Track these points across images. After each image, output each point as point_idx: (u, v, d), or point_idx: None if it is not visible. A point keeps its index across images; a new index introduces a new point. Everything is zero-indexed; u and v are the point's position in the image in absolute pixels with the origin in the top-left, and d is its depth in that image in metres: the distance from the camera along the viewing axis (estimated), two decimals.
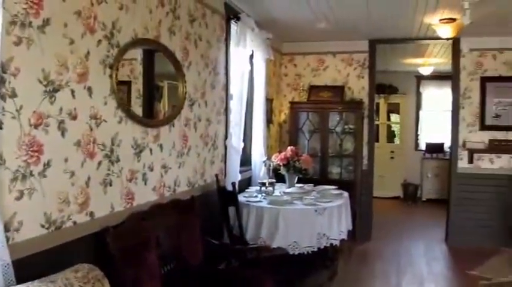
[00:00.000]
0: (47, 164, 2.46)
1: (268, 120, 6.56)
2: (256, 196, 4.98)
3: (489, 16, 5.47)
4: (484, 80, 6.85)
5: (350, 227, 5.22)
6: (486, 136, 6.84)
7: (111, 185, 3.03)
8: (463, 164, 6.92)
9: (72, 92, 2.64)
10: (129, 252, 2.88)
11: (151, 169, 3.54)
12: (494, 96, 6.82)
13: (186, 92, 3.98)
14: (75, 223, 2.69)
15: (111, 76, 2.98)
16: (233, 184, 4.55)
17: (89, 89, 2.79)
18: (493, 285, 5.32)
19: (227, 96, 5.05)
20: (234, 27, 5.12)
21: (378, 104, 10.75)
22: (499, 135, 6.81)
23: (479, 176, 6.84)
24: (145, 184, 3.47)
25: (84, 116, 2.76)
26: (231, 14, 5.07)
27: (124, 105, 3.13)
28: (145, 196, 3.46)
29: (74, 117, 2.66)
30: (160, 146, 3.67)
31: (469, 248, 6.58)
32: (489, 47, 6.80)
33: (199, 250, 3.76)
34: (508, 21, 5.86)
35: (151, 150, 3.52)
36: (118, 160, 3.10)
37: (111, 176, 3.03)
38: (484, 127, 6.87)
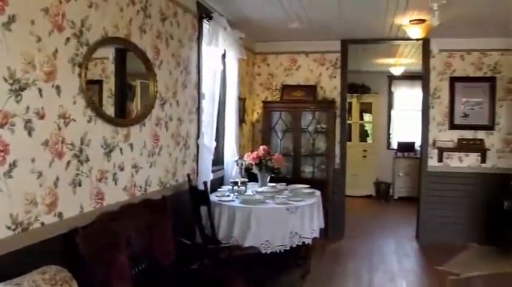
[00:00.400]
0: (13, 165, 2.41)
1: (241, 120, 6.56)
2: (228, 195, 4.97)
3: (457, 18, 5.60)
4: (453, 80, 7.01)
5: (322, 226, 5.26)
6: (455, 135, 7.01)
7: (80, 185, 2.99)
8: (433, 162, 7.06)
9: (40, 90, 2.59)
10: (99, 253, 2.84)
11: (122, 169, 3.51)
12: (463, 96, 6.99)
13: (157, 91, 3.96)
14: (43, 224, 2.64)
15: (80, 75, 2.93)
16: (205, 183, 4.53)
17: (57, 88, 2.74)
18: (461, 280, 5.45)
19: (199, 96, 5.03)
20: (206, 26, 5.11)
21: (350, 103, 10.89)
22: (467, 134, 6.99)
23: (449, 174, 7.00)
24: (116, 183, 3.43)
25: (52, 115, 2.71)
26: (203, 13, 5.05)
27: (93, 104, 3.09)
28: (115, 196, 3.42)
29: (42, 117, 2.61)
30: (131, 145, 3.63)
31: (439, 245, 6.75)
32: (457, 48, 6.97)
33: (171, 250, 3.74)
34: (475, 24, 6.00)
35: (121, 150, 3.49)
36: (87, 160, 3.06)
37: (81, 176, 2.99)
38: (453, 126, 7.04)
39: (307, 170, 7.08)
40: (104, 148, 3.26)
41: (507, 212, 5.99)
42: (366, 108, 11.61)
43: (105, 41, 3.22)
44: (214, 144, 5.18)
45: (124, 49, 3.57)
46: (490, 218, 6.70)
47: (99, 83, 3.31)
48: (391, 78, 11.23)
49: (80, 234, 2.78)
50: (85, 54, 2.98)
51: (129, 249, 3.18)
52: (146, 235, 3.50)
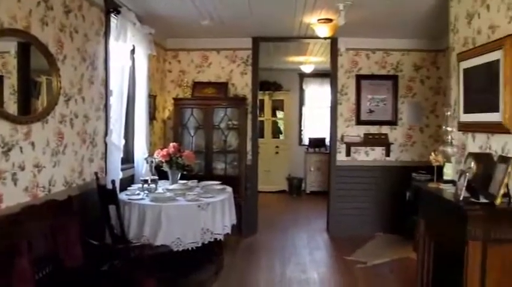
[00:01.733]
0: None
1: (152, 117, 6.45)
2: (138, 194, 4.88)
3: (362, 19, 5.88)
4: (359, 78, 7.35)
5: (234, 222, 5.31)
6: (362, 130, 7.35)
7: None
8: (341, 157, 7.35)
9: None
10: None
11: (22, 169, 3.33)
12: (368, 93, 7.34)
13: (60, 87, 3.79)
14: None
15: None
16: (113, 181, 4.41)
17: None
18: (367, 268, 5.75)
19: (107, 92, 4.88)
20: (114, 20, 4.96)
21: (262, 100, 11.07)
22: (373, 129, 7.36)
23: (356, 168, 7.33)
24: (16, 184, 3.25)
25: None
26: (111, 7, 4.90)
27: None
28: (15, 198, 3.24)
29: None
30: (32, 144, 3.46)
31: (348, 236, 7.06)
32: (363, 47, 7.32)
33: (78, 251, 3.61)
34: (378, 25, 6.33)
35: (21, 148, 3.31)
36: None
37: None
38: (359, 122, 7.37)
39: (220, 166, 7.10)
40: (1, 147, 3.08)
41: (409, 202, 6.37)
42: (278, 105, 11.86)
43: (0, 33, 3.03)
44: (123, 142, 5.06)
45: (27, 43, 3.39)
46: (394, 208, 7.11)
47: (0, 78, 3.12)
48: (302, 76, 11.58)
49: None
50: None
51: (32, 253, 3.03)
52: (50, 237, 3.36)
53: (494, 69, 3.46)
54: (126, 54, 5.12)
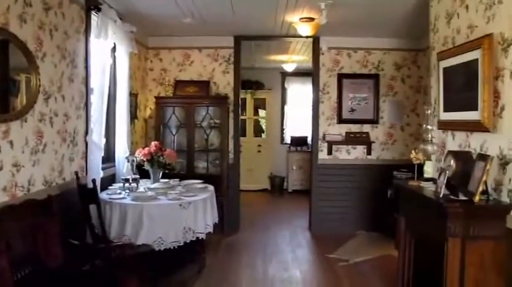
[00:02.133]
0: None
1: (133, 116, 6.41)
2: (119, 193, 4.84)
3: (344, 18, 5.93)
4: (341, 77, 7.40)
5: (216, 220, 5.30)
6: (343, 129, 7.40)
7: None
8: (323, 155, 7.39)
9: None
10: None
11: (1, 168, 3.28)
12: (350, 91, 7.40)
13: (40, 85, 3.74)
14: None
15: None
16: (93, 180, 4.37)
17: None
18: (349, 265, 5.79)
19: (87, 91, 4.83)
20: (94, 18, 4.91)
21: (244, 99, 11.07)
22: (354, 128, 7.41)
23: (338, 166, 7.37)
24: None
25: None
26: (91, 5, 4.85)
27: None
28: None
29: None
30: (11, 142, 3.41)
31: (330, 234, 7.10)
32: (345, 46, 7.37)
33: (58, 252, 3.57)
34: (359, 24, 6.37)
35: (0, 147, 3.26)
36: None
37: None
38: (341, 121, 7.42)
39: (201, 165, 7.08)
40: None
41: (390, 200, 6.43)
42: (260, 104, 11.87)
43: None
44: (103, 141, 5.01)
45: (5, 40, 3.34)
46: (376, 206, 7.18)
47: None
48: (284, 74, 11.59)
49: None
50: None
51: (11, 253, 2.98)
52: (29, 237, 3.32)
53: (473, 69, 3.51)
54: (107, 52, 5.08)
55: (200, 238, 4.82)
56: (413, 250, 3.93)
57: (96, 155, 4.86)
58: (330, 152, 7.37)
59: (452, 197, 3.24)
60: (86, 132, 4.81)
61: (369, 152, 7.37)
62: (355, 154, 7.40)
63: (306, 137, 11.09)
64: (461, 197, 3.18)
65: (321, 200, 7.37)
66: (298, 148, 11.37)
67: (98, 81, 4.93)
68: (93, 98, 4.89)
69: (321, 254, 6.31)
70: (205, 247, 5.68)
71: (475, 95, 3.47)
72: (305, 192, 9.60)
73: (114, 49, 5.43)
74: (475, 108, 3.47)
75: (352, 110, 7.41)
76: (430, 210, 3.42)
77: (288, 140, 11.78)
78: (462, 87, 3.75)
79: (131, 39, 5.78)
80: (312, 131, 7.51)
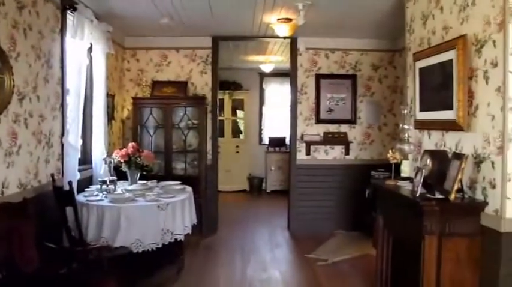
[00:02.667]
0: None
1: (110, 117, 6.34)
2: (97, 195, 4.78)
3: (321, 19, 5.96)
4: (319, 77, 7.43)
5: (195, 221, 5.28)
6: (321, 129, 7.45)
7: None
8: (301, 156, 7.42)
9: None
10: None
11: None
12: (328, 92, 7.44)
13: (14, 86, 3.66)
14: None
15: None
16: (69, 182, 4.30)
17: None
18: (328, 265, 5.83)
19: (63, 91, 4.76)
20: (70, 17, 4.85)
21: (222, 100, 11.06)
22: (332, 128, 7.47)
23: (316, 166, 7.41)
24: None
25: None
26: (67, 4, 4.78)
27: None
28: None
29: None
30: None
31: (309, 234, 7.13)
32: (322, 47, 7.41)
33: (34, 255, 3.51)
34: (337, 25, 6.42)
35: None
36: None
37: None
38: (319, 121, 7.46)
39: (180, 166, 7.04)
40: None
41: (368, 200, 6.49)
42: (238, 104, 11.87)
43: None
44: (80, 142, 4.95)
45: None
46: (354, 206, 7.24)
47: None
48: (262, 75, 11.62)
49: None
50: None
51: None
52: (4, 241, 3.25)
53: (448, 69, 3.56)
54: (83, 52, 5.01)
55: (179, 239, 4.80)
56: (391, 248, 3.98)
57: (73, 157, 4.79)
58: (308, 153, 7.40)
59: (428, 195, 3.29)
60: (62, 134, 4.74)
61: (346, 152, 7.42)
62: (333, 154, 7.45)
63: (284, 138, 11.13)
64: (438, 196, 3.23)
65: (300, 200, 7.40)
66: (277, 149, 11.42)
67: (74, 82, 4.85)
68: (69, 99, 4.83)
69: (299, 254, 6.34)
70: (184, 248, 5.66)
71: (450, 95, 3.53)
72: (284, 192, 9.62)
73: (90, 49, 5.36)
74: (450, 108, 3.53)
75: (330, 111, 7.46)
76: (407, 208, 3.47)
77: (266, 140, 11.80)
78: (438, 87, 3.80)
79: (108, 39, 5.72)
80: (290, 131, 7.53)
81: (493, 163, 3.08)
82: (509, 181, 2.95)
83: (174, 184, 5.53)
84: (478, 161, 3.25)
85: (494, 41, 3.09)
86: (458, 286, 3.14)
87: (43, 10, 4.31)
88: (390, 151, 4.26)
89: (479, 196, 3.24)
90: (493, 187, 3.07)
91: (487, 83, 3.18)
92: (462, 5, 3.51)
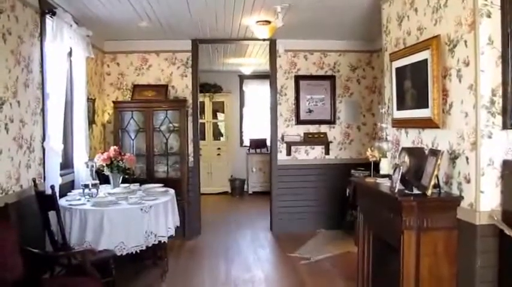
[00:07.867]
0: None
1: (91, 121, 6.33)
2: (79, 199, 4.78)
3: (300, 21, 6.04)
4: (298, 79, 7.52)
5: (178, 224, 5.31)
6: (301, 130, 7.52)
7: None
8: (282, 156, 7.49)
9: None
10: None
11: None
12: (307, 93, 7.53)
13: None
14: None
15: None
16: (52, 187, 4.29)
17: None
18: (311, 263, 5.90)
19: (43, 96, 4.75)
20: (49, 22, 4.84)
21: (203, 102, 11.09)
22: (312, 128, 7.55)
23: (297, 167, 7.49)
24: None
25: None
26: (46, 8, 4.77)
27: None
28: None
29: None
30: None
31: (291, 234, 7.20)
32: (301, 48, 7.50)
33: (17, 261, 3.48)
34: (315, 27, 6.51)
35: None
36: None
37: None
38: (299, 122, 7.54)
39: (161, 169, 7.05)
40: None
41: (349, 198, 6.58)
42: (218, 107, 11.89)
43: None
44: (61, 146, 4.94)
45: None
46: (335, 205, 7.34)
47: None
48: (242, 77, 11.67)
49: None
50: None
51: None
52: None
53: (423, 68, 3.66)
54: (63, 56, 5.00)
55: (162, 241, 4.83)
56: (371, 244, 4.06)
57: (54, 161, 4.78)
58: (289, 153, 7.47)
59: (406, 191, 3.38)
60: (43, 138, 4.73)
61: (327, 152, 7.52)
62: (314, 154, 7.54)
63: (265, 139, 11.17)
64: (415, 191, 3.32)
65: (281, 201, 7.47)
66: (258, 150, 11.46)
67: (55, 87, 4.85)
68: (50, 103, 4.81)
69: (282, 254, 6.40)
70: (168, 251, 5.68)
71: (425, 94, 3.63)
72: (265, 193, 9.69)
73: (70, 54, 5.36)
74: (426, 106, 3.63)
75: (310, 111, 7.54)
76: (386, 205, 3.55)
77: (247, 142, 11.84)
78: (414, 87, 3.91)
79: (87, 43, 5.71)
80: (271, 132, 7.59)
81: (467, 158, 3.19)
82: (482, 175, 3.06)
83: (157, 187, 5.56)
84: (453, 157, 3.35)
85: (465, 41, 3.20)
86: (436, 279, 3.23)
87: (22, 15, 4.30)
88: (369, 150, 4.35)
89: (455, 191, 3.34)
90: (468, 181, 3.18)
91: (460, 81, 3.29)
92: (435, 7, 3.61)
